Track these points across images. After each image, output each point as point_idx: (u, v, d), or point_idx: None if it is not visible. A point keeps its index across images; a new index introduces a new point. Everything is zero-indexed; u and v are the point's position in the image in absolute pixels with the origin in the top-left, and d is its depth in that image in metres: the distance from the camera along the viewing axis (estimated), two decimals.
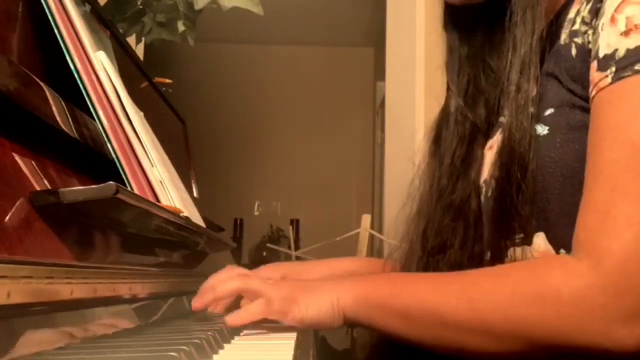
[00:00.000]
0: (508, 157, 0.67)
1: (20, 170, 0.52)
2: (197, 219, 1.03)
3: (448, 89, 0.86)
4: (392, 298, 0.65)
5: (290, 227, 3.37)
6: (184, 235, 0.89)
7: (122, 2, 1.47)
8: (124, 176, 0.68)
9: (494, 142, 0.76)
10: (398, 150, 2.32)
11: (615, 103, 0.57)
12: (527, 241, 0.66)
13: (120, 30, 1.39)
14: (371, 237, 2.42)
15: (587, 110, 0.62)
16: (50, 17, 0.67)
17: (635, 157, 0.55)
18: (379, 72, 3.53)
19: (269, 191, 4.67)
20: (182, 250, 0.98)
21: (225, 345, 0.60)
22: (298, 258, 2.63)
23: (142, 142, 0.80)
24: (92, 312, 0.58)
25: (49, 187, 0.55)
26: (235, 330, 0.72)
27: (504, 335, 0.57)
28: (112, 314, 0.63)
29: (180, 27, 1.54)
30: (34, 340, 0.47)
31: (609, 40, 0.59)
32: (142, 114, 0.90)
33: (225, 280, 0.74)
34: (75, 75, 0.68)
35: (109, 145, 0.68)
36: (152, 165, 0.81)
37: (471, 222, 0.79)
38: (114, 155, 0.68)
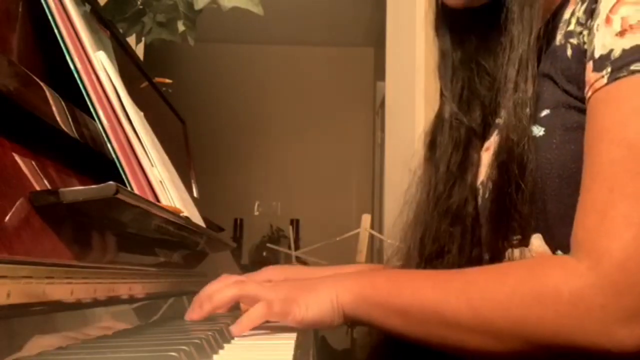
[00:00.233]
0: (505, 158, 0.67)
1: (20, 170, 0.52)
2: (197, 219, 1.03)
3: (441, 94, 0.85)
4: (391, 296, 0.64)
5: (290, 227, 3.37)
6: (184, 235, 0.89)
7: (122, 2, 1.47)
8: (124, 176, 0.68)
9: (491, 144, 0.75)
10: (398, 150, 2.32)
11: (612, 103, 0.57)
12: (525, 242, 0.66)
13: (120, 30, 1.39)
14: (371, 237, 2.42)
15: (583, 111, 0.62)
16: (50, 17, 0.67)
17: (633, 157, 0.55)
18: (379, 72, 3.53)
19: (269, 191, 4.67)
20: (182, 250, 0.98)
21: (225, 345, 0.60)
22: (298, 258, 2.63)
23: (142, 142, 0.80)
24: (92, 312, 0.58)
25: (49, 187, 0.55)
26: None
27: (503, 334, 0.57)
28: (112, 314, 0.63)
29: (180, 27, 1.54)
30: (34, 340, 0.47)
31: (605, 40, 0.59)
32: (142, 114, 0.90)
33: (222, 288, 0.73)
34: (75, 75, 0.68)
35: (109, 145, 0.68)
36: (152, 165, 0.81)
37: (468, 227, 0.79)
38: (114, 155, 0.68)
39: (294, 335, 0.66)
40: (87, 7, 0.90)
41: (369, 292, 0.66)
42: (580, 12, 0.64)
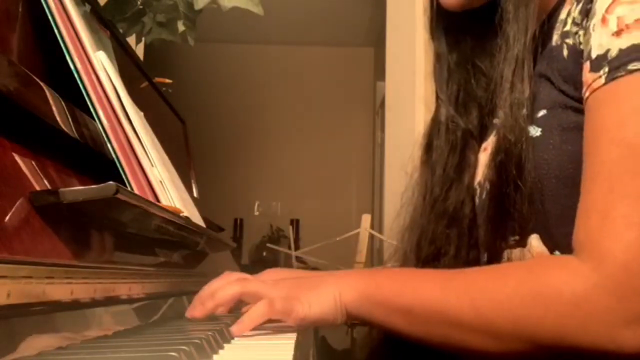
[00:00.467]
0: (502, 159, 0.66)
1: (20, 170, 0.52)
2: (197, 219, 1.03)
3: (437, 97, 0.85)
4: (394, 295, 0.64)
5: (290, 227, 3.37)
6: (184, 235, 0.89)
7: (122, 2, 1.47)
8: (124, 176, 0.68)
9: (488, 144, 0.75)
10: (398, 150, 2.32)
11: (610, 103, 0.57)
12: (523, 243, 0.66)
13: (120, 30, 1.39)
14: (371, 237, 2.42)
15: (579, 111, 0.62)
16: (50, 17, 0.67)
17: (632, 158, 0.55)
18: (379, 72, 3.53)
19: (269, 191, 4.67)
20: (182, 250, 0.98)
21: (225, 345, 0.60)
22: (298, 258, 2.63)
23: (142, 142, 0.80)
24: (92, 312, 0.58)
25: (49, 187, 0.55)
26: None
27: (505, 335, 0.57)
28: (112, 314, 0.63)
29: (180, 27, 1.54)
30: (34, 340, 0.47)
31: (601, 40, 0.59)
32: (142, 114, 0.90)
33: (224, 286, 0.72)
34: (75, 75, 0.68)
35: (109, 145, 0.68)
36: (152, 165, 0.81)
37: (465, 228, 0.79)
38: (114, 155, 0.68)
39: (294, 335, 0.66)
40: (87, 7, 0.90)
41: (372, 291, 0.66)
42: (575, 13, 0.64)
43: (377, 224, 3.50)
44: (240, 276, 0.76)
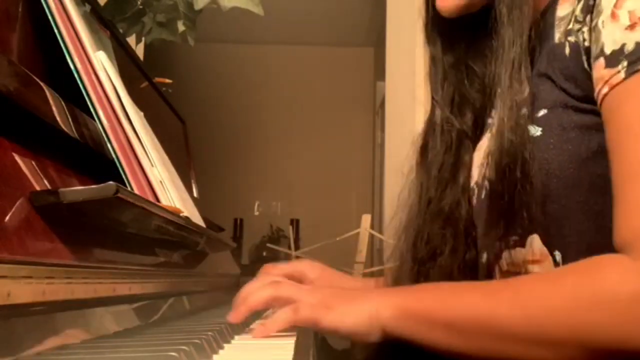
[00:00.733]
0: (503, 159, 0.66)
1: (20, 170, 0.52)
2: (197, 219, 1.03)
3: (432, 100, 0.85)
4: (436, 309, 0.61)
5: (290, 227, 3.37)
6: (184, 235, 0.89)
7: (122, 2, 1.47)
8: (124, 176, 0.68)
9: (483, 144, 0.75)
10: (398, 150, 2.31)
11: (632, 98, 0.56)
12: (522, 243, 0.66)
13: (120, 30, 1.39)
14: (371, 237, 2.42)
15: (580, 111, 0.62)
16: (50, 17, 0.67)
17: None
18: (379, 72, 3.53)
19: (269, 191, 4.67)
20: (182, 250, 0.98)
21: (225, 345, 0.60)
22: (298, 258, 2.63)
23: (142, 142, 0.80)
24: (92, 312, 0.58)
25: (49, 187, 0.55)
26: (236, 330, 0.72)
27: (562, 343, 0.54)
28: (112, 314, 0.63)
29: (180, 27, 1.54)
30: (34, 340, 0.47)
31: (614, 36, 0.58)
32: (142, 114, 0.90)
33: (257, 290, 0.70)
34: (75, 75, 0.68)
35: (109, 145, 0.68)
36: (152, 165, 0.81)
37: (461, 229, 0.78)
38: (114, 155, 0.68)
39: (294, 335, 0.66)
40: (87, 7, 0.90)
41: (412, 306, 0.63)
42: (578, 10, 0.64)
43: (377, 224, 3.50)
44: (274, 279, 0.73)
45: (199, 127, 3.09)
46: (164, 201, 0.79)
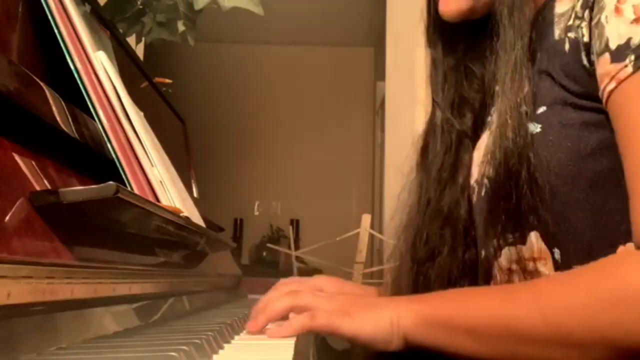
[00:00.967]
0: (503, 156, 0.66)
1: (20, 170, 0.52)
2: (197, 219, 1.03)
3: (433, 102, 0.85)
4: (457, 315, 0.61)
5: (290, 227, 3.37)
6: (184, 235, 0.89)
7: (122, 2, 1.47)
8: (124, 176, 0.68)
9: (482, 142, 0.75)
10: (398, 150, 2.31)
11: None
12: (522, 240, 0.66)
13: (120, 30, 1.39)
14: (371, 237, 2.42)
15: (579, 108, 0.62)
16: (50, 17, 0.67)
17: None
18: (379, 72, 3.53)
19: (269, 191, 4.67)
20: (182, 250, 0.98)
21: (225, 345, 0.60)
22: (298, 258, 2.63)
23: (142, 142, 0.80)
24: (92, 312, 0.58)
25: (49, 187, 0.55)
26: (236, 330, 0.72)
27: (585, 344, 0.53)
28: (112, 314, 0.63)
29: (180, 27, 1.54)
30: (34, 340, 0.47)
31: (619, 30, 0.58)
32: (142, 114, 0.90)
33: (276, 299, 0.70)
34: (75, 75, 0.68)
35: (109, 145, 0.68)
36: (152, 165, 0.81)
37: (460, 228, 0.78)
38: (114, 155, 0.68)
39: (294, 335, 0.66)
40: (87, 7, 0.90)
41: (434, 313, 0.62)
42: (578, 6, 0.64)
43: (377, 224, 3.50)
44: (293, 288, 0.73)
45: (199, 127, 3.10)
46: (164, 201, 0.79)
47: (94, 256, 0.60)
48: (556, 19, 0.67)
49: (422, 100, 2.26)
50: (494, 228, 0.69)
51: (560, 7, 0.67)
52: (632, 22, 0.57)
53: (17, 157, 0.52)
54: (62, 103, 0.64)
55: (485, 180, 0.71)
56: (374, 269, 2.56)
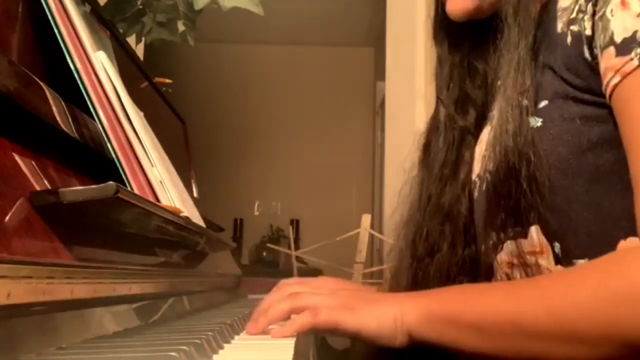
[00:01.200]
0: (504, 150, 0.66)
1: (20, 170, 0.52)
2: (197, 219, 1.03)
3: (437, 99, 0.86)
4: (463, 311, 0.60)
5: (290, 227, 3.37)
6: (184, 235, 0.89)
7: (122, 2, 1.47)
8: (124, 176, 0.68)
9: (484, 136, 0.75)
10: (398, 150, 2.32)
11: None
12: (523, 234, 0.66)
13: (120, 30, 1.39)
14: (371, 237, 2.42)
15: (580, 101, 0.62)
16: (50, 17, 0.67)
17: None
18: (379, 72, 3.53)
19: (269, 191, 4.67)
20: (182, 250, 0.98)
21: (225, 345, 0.60)
22: (298, 258, 2.63)
23: (142, 142, 0.80)
24: (92, 312, 0.58)
25: (49, 187, 0.55)
26: (236, 330, 0.72)
27: (592, 340, 0.53)
28: (112, 314, 0.63)
29: (180, 27, 1.54)
30: (34, 340, 0.47)
31: (625, 24, 0.57)
32: (142, 114, 0.90)
33: (277, 302, 0.69)
34: (75, 75, 0.68)
35: (109, 145, 0.68)
36: (152, 165, 0.81)
37: (460, 225, 0.78)
38: (114, 155, 0.68)
39: (294, 335, 0.66)
40: (87, 7, 0.90)
41: (438, 309, 0.62)
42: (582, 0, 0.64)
43: (377, 224, 3.50)
44: (293, 290, 0.72)
45: (199, 127, 3.10)
46: (164, 201, 0.79)
47: (94, 256, 0.60)
48: (559, 13, 0.67)
49: (422, 100, 2.26)
50: (494, 222, 0.68)
51: (563, 1, 0.67)
52: (638, 16, 0.57)
53: (17, 157, 0.52)
54: (62, 103, 0.64)
55: (487, 175, 0.71)
56: (374, 269, 2.56)
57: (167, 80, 1.47)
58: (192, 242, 0.98)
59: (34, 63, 0.67)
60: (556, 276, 0.61)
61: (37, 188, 0.52)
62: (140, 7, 1.50)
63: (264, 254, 4.15)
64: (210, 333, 0.58)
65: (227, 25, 3.37)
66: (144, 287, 0.72)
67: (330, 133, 4.69)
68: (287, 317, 0.68)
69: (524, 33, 0.67)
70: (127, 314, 0.67)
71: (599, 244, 0.60)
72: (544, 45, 0.67)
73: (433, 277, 0.78)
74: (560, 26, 0.66)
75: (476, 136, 0.80)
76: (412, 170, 0.87)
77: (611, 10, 0.59)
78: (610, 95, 0.59)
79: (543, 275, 0.63)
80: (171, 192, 0.86)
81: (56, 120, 0.61)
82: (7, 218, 0.45)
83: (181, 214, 0.82)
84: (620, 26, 0.58)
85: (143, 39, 1.57)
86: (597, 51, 0.60)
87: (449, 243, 0.78)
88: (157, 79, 1.36)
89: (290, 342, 0.61)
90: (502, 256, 0.69)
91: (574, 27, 0.63)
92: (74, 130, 0.65)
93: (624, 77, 0.57)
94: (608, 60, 0.58)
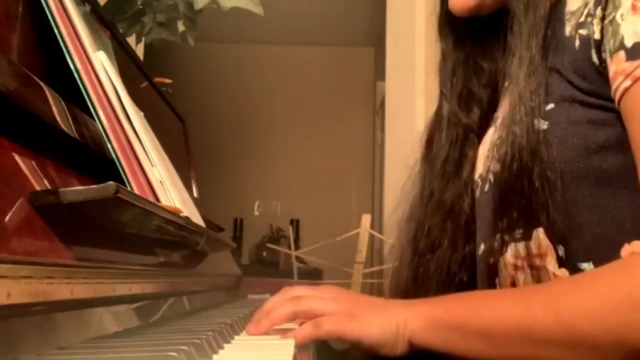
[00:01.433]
0: (509, 152, 0.66)
1: (20, 170, 0.52)
2: (197, 219, 1.03)
3: (441, 94, 0.86)
4: (469, 318, 0.60)
5: (290, 227, 3.37)
6: (184, 235, 0.89)
7: (122, 2, 1.47)
8: (124, 176, 0.68)
9: (487, 137, 0.75)
10: (398, 150, 2.32)
11: None
12: (527, 236, 0.66)
13: (120, 30, 1.39)
14: (371, 237, 2.42)
15: (587, 105, 0.62)
16: (50, 17, 0.67)
17: None
18: (379, 72, 3.53)
19: (269, 191, 4.67)
20: (182, 250, 0.98)
21: (225, 345, 0.60)
22: (298, 258, 2.63)
23: (142, 142, 0.80)
24: (92, 312, 0.58)
25: (49, 187, 0.55)
26: (236, 330, 0.72)
27: (601, 346, 0.52)
28: (112, 314, 0.63)
29: (180, 27, 1.54)
30: (34, 340, 0.47)
31: (636, 28, 0.57)
32: (142, 114, 0.90)
33: (279, 304, 0.69)
34: (75, 75, 0.68)
35: (109, 145, 0.68)
36: (152, 165, 0.81)
37: (461, 222, 0.78)
38: (114, 155, 0.68)
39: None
40: (87, 7, 0.90)
41: (443, 315, 0.61)
42: (590, 3, 0.63)
43: (377, 224, 3.50)
44: (296, 294, 0.72)
45: (199, 127, 3.09)
46: (164, 201, 0.79)
47: (94, 256, 0.60)
48: (567, 17, 0.66)
49: (422, 100, 2.26)
50: (500, 223, 0.68)
51: (571, 5, 0.67)
52: None
53: (17, 157, 0.52)
54: (62, 103, 0.64)
55: (490, 176, 0.70)
56: (374, 269, 2.56)
57: (167, 80, 1.47)
58: (192, 242, 0.98)
59: (34, 63, 0.67)
60: (565, 282, 0.61)
61: (37, 188, 0.52)
62: (140, 7, 1.50)
63: (264, 254, 4.15)
64: (210, 333, 0.58)
65: (227, 25, 3.37)
66: (144, 287, 0.72)
67: (330, 133, 4.69)
68: (289, 320, 0.68)
69: (535, 31, 0.67)
70: (127, 314, 0.67)
71: (603, 247, 0.60)
72: (551, 48, 0.67)
73: (433, 273, 0.78)
74: (568, 30, 0.65)
75: (479, 136, 0.80)
76: (415, 166, 0.87)
77: (621, 15, 0.58)
78: (620, 99, 0.58)
79: (552, 281, 0.63)
80: (171, 192, 0.86)
81: (56, 120, 0.61)
82: (7, 218, 0.45)
83: (181, 214, 0.82)
84: (631, 30, 0.57)
85: (143, 39, 1.57)
86: (605, 55, 0.60)
87: (450, 239, 0.78)
88: (157, 79, 1.36)
89: (291, 342, 0.61)
90: (507, 258, 0.69)
91: (583, 31, 0.63)
92: (74, 130, 0.65)
93: (635, 81, 0.56)
94: (618, 64, 0.58)
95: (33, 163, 0.55)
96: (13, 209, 0.47)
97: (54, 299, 0.49)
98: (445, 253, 0.78)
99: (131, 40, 1.50)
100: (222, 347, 0.58)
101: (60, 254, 0.52)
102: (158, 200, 0.77)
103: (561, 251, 0.64)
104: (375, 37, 4.28)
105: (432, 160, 0.83)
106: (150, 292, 0.75)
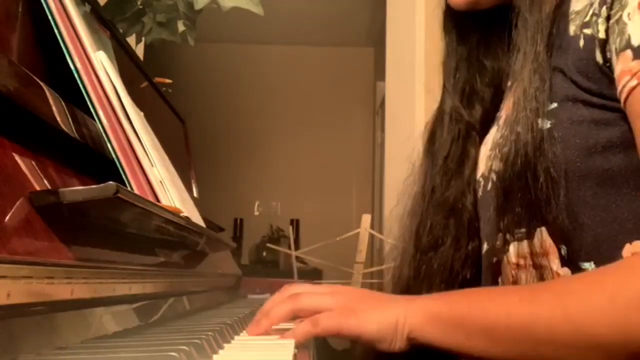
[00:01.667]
0: (511, 151, 0.65)
1: (20, 170, 0.52)
2: (197, 219, 1.03)
3: (444, 88, 0.86)
4: (472, 314, 0.59)
5: (290, 227, 3.37)
6: (184, 235, 0.89)
7: (122, 2, 1.47)
8: (124, 176, 0.68)
9: (490, 137, 0.75)
10: (398, 150, 2.32)
11: None
12: (530, 235, 0.66)
13: (120, 30, 1.39)
14: (371, 237, 2.42)
15: (590, 105, 0.61)
16: (50, 17, 0.67)
17: None
18: (379, 72, 3.53)
19: (269, 191, 4.67)
20: (182, 250, 0.98)
21: (225, 345, 0.60)
22: (298, 258, 2.63)
23: (142, 142, 0.80)
24: (92, 312, 0.58)
25: (49, 187, 0.55)
26: (236, 330, 0.72)
27: (609, 346, 0.52)
28: (112, 314, 0.63)
29: (180, 27, 1.54)
30: (34, 340, 0.47)
31: None
32: (142, 114, 0.90)
33: (278, 304, 0.68)
34: (75, 75, 0.68)
35: (109, 145, 0.68)
36: (152, 165, 0.81)
37: (464, 220, 0.78)
38: (114, 155, 0.68)
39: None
40: (87, 7, 0.90)
41: (446, 312, 0.61)
42: (596, 3, 0.63)
43: (377, 224, 3.50)
44: (294, 292, 0.71)
45: (199, 127, 3.09)
46: (164, 201, 0.79)
47: (94, 256, 0.60)
48: (572, 16, 0.66)
49: (422, 100, 2.26)
50: (502, 222, 0.68)
51: (576, 4, 0.67)
52: None
53: (17, 157, 0.52)
54: (62, 103, 0.64)
55: (493, 175, 0.70)
56: (374, 269, 2.56)
57: (167, 80, 1.47)
58: (192, 242, 0.98)
59: (34, 63, 0.67)
60: (571, 281, 0.60)
61: (37, 188, 0.52)
62: (140, 7, 1.50)
63: (264, 254, 4.15)
64: (210, 333, 0.58)
65: (227, 25, 3.37)
66: (144, 287, 0.72)
67: (330, 133, 4.68)
68: (288, 319, 0.68)
69: (540, 27, 0.66)
70: (127, 314, 0.67)
71: (605, 247, 0.60)
72: (555, 47, 0.67)
73: (437, 270, 0.78)
74: (572, 29, 0.65)
75: (482, 135, 0.80)
76: (416, 162, 0.87)
77: (628, 14, 0.58)
78: (626, 99, 0.58)
79: (557, 280, 0.62)
80: (171, 192, 0.86)
81: (56, 120, 0.61)
82: (7, 218, 0.45)
83: (181, 214, 0.82)
84: (637, 30, 0.57)
85: (143, 39, 1.57)
86: (610, 54, 0.60)
87: (453, 237, 0.78)
88: (157, 79, 1.36)
89: (291, 342, 0.61)
90: (510, 257, 0.69)
91: (587, 30, 0.63)
92: (74, 130, 0.65)
93: None
94: (625, 64, 0.58)
95: (33, 163, 0.55)
96: (13, 209, 0.47)
97: (54, 299, 0.49)
98: (449, 251, 0.78)
99: (131, 40, 1.50)
100: (222, 347, 0.58)
101: (60, 254, 0.52)
102: (158, 200, 0.77)
103: (564, 250, 0.64)
104: (375, 37, 4.28)
105: (434, 155, 0.83)
106: (150, 292, 0.75)
